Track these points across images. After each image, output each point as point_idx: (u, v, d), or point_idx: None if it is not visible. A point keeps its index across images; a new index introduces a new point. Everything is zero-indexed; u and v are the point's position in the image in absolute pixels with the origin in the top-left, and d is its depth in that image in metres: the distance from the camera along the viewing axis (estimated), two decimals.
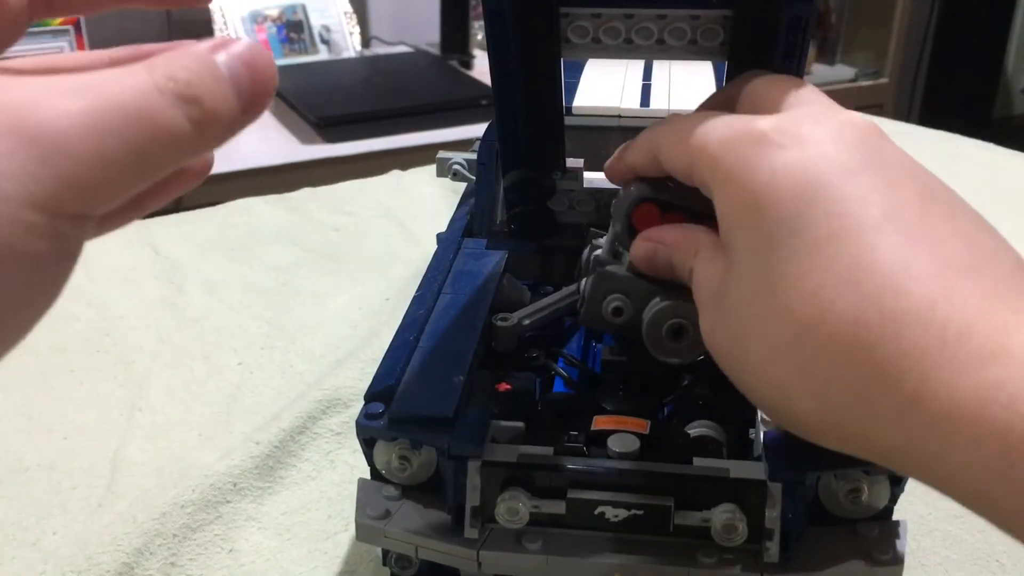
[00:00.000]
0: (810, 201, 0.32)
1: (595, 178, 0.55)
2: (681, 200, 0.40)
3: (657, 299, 0.42)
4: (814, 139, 0.34)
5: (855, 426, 0.31)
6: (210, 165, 0.33)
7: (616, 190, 0.44)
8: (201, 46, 0.26)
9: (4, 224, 0.22)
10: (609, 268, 0.44)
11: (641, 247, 0.41)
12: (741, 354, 0.35)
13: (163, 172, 0.26)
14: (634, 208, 0.41)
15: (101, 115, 0.24)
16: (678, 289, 0.41)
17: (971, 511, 0.29)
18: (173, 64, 0.25)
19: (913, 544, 0.56)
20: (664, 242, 0.40)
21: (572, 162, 0.55)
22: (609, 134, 0.66)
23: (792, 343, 0.32)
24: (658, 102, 0.68)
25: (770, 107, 0.37)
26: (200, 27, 2.05)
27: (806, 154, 0.33)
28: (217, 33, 2.05)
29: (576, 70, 0.72)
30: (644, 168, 0.41)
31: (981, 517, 0.29)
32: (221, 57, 0.26)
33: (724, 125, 0.36)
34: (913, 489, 0.41)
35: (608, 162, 0.44)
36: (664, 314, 0.42)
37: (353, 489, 0.46)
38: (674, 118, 0.39)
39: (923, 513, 0.59)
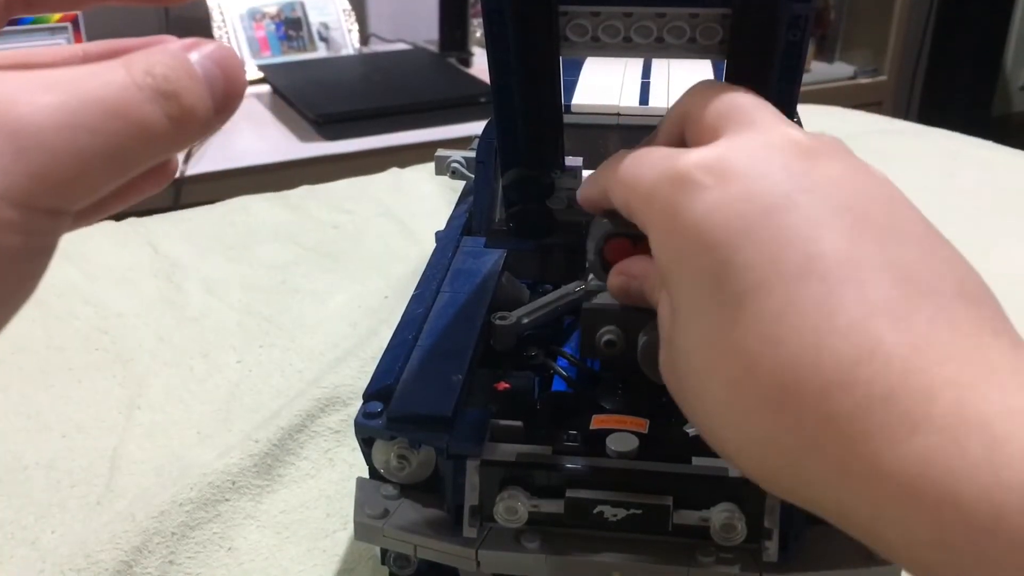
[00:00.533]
0: (735, 248, 0.31)
1: None
2: None
3: (649, 327, 0.42)
4: (738, 175, 0.32)
5: (792, 486, 0.30)
6: (175, 170, 0.33)
7: None
8: (175, 45, 0.27)
9: None
10: (597, 301, 0.44)
11: (614, 281, 0.41)
12: (687, 401, 0.34)
13: (138, 168, 0.26)
14: (604, 243, 0.42)
15: (78, 110, 0.24)
16: None
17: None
18: (151, 60, 0.25)
19: None
20: (633, 275, 0.40)
21: (571, 160, 0.55)
22: (608, 132, 0.66)
23: (726, 399, 0.31)
24: (657, 100, 0.68)
25: (703, 130, 0.36)
26: (198, 24, 2.05)
27: (729, 194, 0.32)
28: (216, 30, 2.05)
29: (575, 68, 0.72)
30: (603, 202, 0.40)
31: None
32: (194, 56, 0.26)
33: (651, 166, 0.35)
34: None
35: (578, 192, 0.43)
36: (656, 342, 0.42)
37: (352, 487, 0.47)
38: (619, 154, 0.38)
39: None
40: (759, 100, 0.36)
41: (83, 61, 0.31)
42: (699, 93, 0.38)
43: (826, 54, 2.77)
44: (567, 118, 0.53)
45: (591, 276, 0.45)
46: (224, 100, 0.27)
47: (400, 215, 1.04)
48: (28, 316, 0.25)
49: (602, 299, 0.45)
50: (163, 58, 0.26)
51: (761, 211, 0.31)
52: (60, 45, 0.31)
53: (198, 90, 0.26)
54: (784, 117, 0.36)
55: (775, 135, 0.34)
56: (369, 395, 0.45)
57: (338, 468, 0.65)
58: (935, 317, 0.28)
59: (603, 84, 0.69)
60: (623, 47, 0.46)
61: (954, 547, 0.25)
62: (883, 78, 2.75)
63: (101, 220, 0.32)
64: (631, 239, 0.41)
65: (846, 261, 0.29)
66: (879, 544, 0.28)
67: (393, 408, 0.44)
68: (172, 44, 0.27)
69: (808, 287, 0.29)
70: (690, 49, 0.46)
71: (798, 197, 0.31)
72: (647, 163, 0.35)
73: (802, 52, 0.45)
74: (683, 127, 0.39)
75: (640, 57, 0.72)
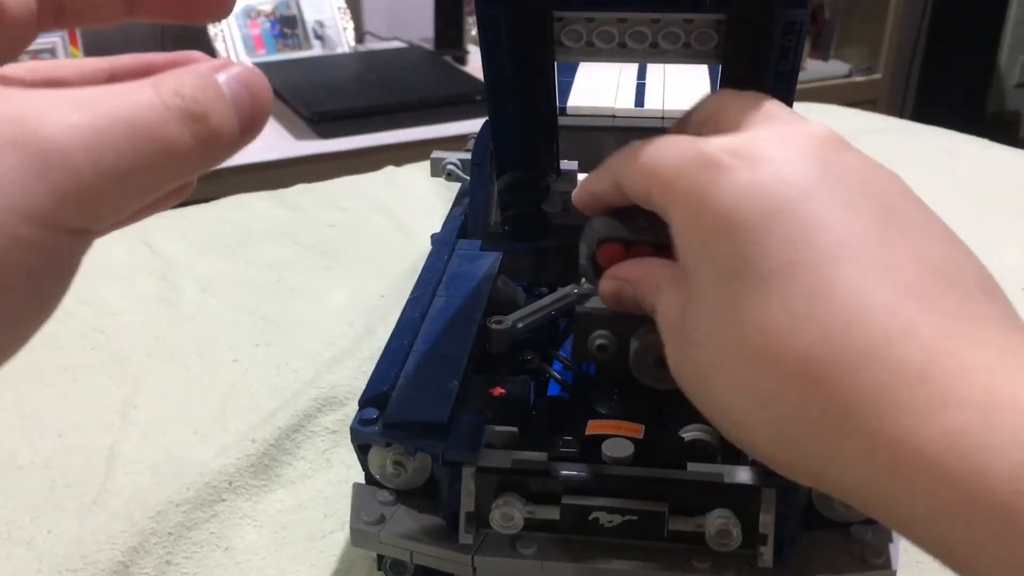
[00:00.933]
0: (765, 228, 0.31)
1: None
2: (644, 234, 0.40)
3: (642, 331, 0.42)
4: (767, 158, 0.33)
5: (813, 464, 0.30)
6: (192, 187, 0.33)
7: None
8: (204, 66, 0.26)
9: (2, 239, 0.22)
10: (588, 306, 0.45)
11: (607, 286, 0.41)
12: (704, 385, 0.34)
13: (164, 189, 0.26)
14: (597, 247, 0.42)
15: (106, 130, 0.24)
16: None
17: (930, 556, 0.28)
18: (180, 81, 0.25)
19: (909, 542, 0.56)
20: (628, 279, 0.40)
21: (566, 164, 0.55)
22: (603, 134, 0.66)
23: (750, 376, 0.31)
24: (653, 102, 0.67)
25: (729, 127, 0.37)
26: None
27: (758, 176, 0.32)
28: (210, 28, 2.04)
29: (570, 69, 0.72)
30: (609, 197, 0.40)
31: (941, 563, 0.28)
32: (222, 78, 0.26)
33: (677, 149, 0.35)
34: None
35: (576, 191, 0.43)
36: (649, 345, 0.42)
37: (349, 488, 0.47)
38: (635, 144, 0.38)
39: None
40: (776, 102, 0.38)
41: (110, 77, 0.31)
42: (722, 95, 0.39)
43: (821, 52, 2.77)
44: (562, 120, 0.53)
45: (583, 280, 0.46)
46: (250, 121, 0.27)
47: (397, 213, 1.04)
48: None
49: (595, 303, 0.45)
50: (192, 79, 0.26)
51: (793, 192, 0.32)
52: (86, 59, 0.30)
53: (226, 111, 0.26)
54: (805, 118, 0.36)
55: (798, 128, 0.35)
56: (365, 401, 0.45)
57: (335, 469, 0.65)
58: (963, 305, 0.29)
59: (598, 86, 0.69)
60: (618, 52, 0.46)
61: (978, 524, 0.26)
62: (878, 76, 2.75)
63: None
64: (625, 244, 0.41)
65: (878, 246, 0.30)
66: (902, 525, 0.29)
67: (389, 415, 0.44)
68: (201, 65, 0.26)
69: (843, 267, 0.30)
70: (685, 54, 0.46)
71: (829, 183, 0.32)
72: (670, 148, 0.36)
73: (797, 57, 0.45)
74: (701, 129, 0.39)
75: (635, 62, 0.72)
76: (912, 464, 0.27)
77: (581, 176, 0.56)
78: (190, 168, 0.26)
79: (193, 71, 0.26)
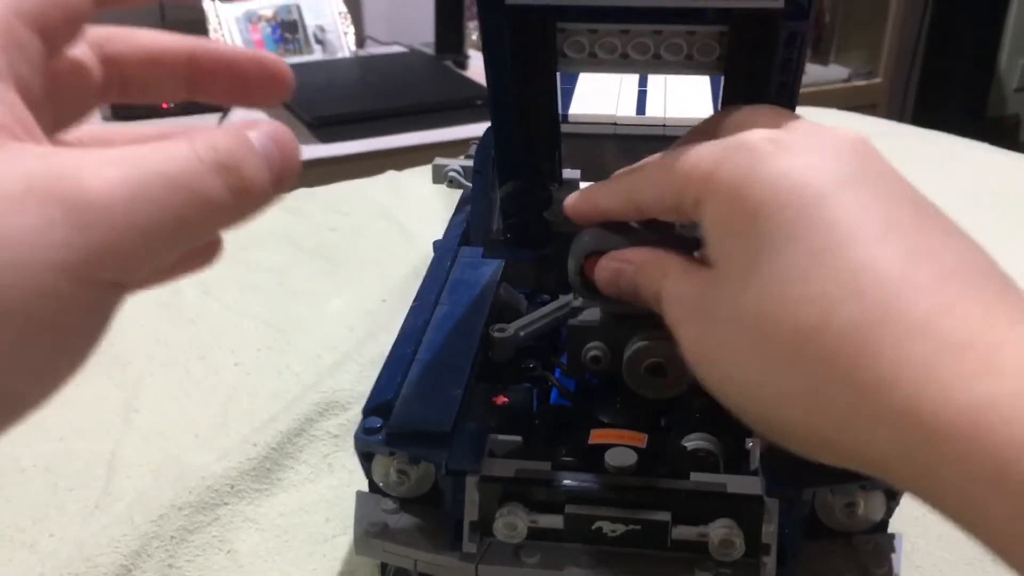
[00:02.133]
0: (810, 208, 0.32)
1: None
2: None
3: (634, 340, 0.43)
4: (808, 149, 0.34)
5: (850, 434, 0.31)
6: (222, 248, 0.34)
7: None
8: (234, 124, 0.28)
9: (36, 292, 0.23)
10: (581, 318, 0.45)
11: (606, 267, 0.41)
12: (730, 366, 0.34)
13: (198, 240, 0.27)
14: (586, 260, 0.42)
15: (142, 183, 0.24)
16: (653, 328, 0.42)
17: (959, 528, 0.29)
18: (213, 136, 0.26)
19: (908, 545, 0.57)
20: (631, 261, 0.40)
21: (568, 173, 0.55)
22: (605, 142, 0.66)
23: (791, 351, 0.32)
24: (654, 109, 0.68)
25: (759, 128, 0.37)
26: (195, 27, 2.04)
27: (802, 162, 0.34)
28: (211, 33, 2.03)
29: (572, 77, 0.72)
30: (618, 212, 0.41)
31: (968, 535, 0.29)
32: (253, 134, 0.27)
33: (714, 144, 0.36)
34: None
35: (573, 199, 0.43)
36: (642, 354, 0.43)
37: (351, 492, 0.47)
38: (651, 158, 0.40)
39: (919, 514, 0.59)
40: (798, 116, 0.39)
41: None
42: (748, 109, 0.40)
43: (821, 56, 2.77)
44: (564, 128, 0.53)
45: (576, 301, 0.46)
46: (281, 173, 0.28)
47: (398, 217, 1.04)
48: None
49: (587, 315, 0.45)
50: (225, 135, 0.27)
51: (837, 179, 0.33)
52: (139, 127, 0.33)
53: (257, 162, 0.27)
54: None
55: (831, 130, 0.36)
56: (369, 410, 0.45)
57: (337, 473, 0.65)
58: (998, 291, 0.31)
59: (600, 93, 0.69)
60: (621, 63, 0.47)
61: (1014, 492, 0.27)
62: (878, 80, 2.75)
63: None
64: None
65: (919, 233, 0.32)
66: (933, 495, 0.29)
67: (392, 424, 0.44)
68: (232, 124, 0.28)
69: (889, 247, 0.31)
70: (687, 66, 0.46)
71: (868, 177, 0.34)
72: (706, 146, 0.36)
73: (798, 68, 0.45)
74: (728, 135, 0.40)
75: (637, 73, 0.72)
76: (948, 431, 0.28)
77: (583, 185, 0.56)
78: (225, 218, 0.27)
79: (225, 129, 0.27)
